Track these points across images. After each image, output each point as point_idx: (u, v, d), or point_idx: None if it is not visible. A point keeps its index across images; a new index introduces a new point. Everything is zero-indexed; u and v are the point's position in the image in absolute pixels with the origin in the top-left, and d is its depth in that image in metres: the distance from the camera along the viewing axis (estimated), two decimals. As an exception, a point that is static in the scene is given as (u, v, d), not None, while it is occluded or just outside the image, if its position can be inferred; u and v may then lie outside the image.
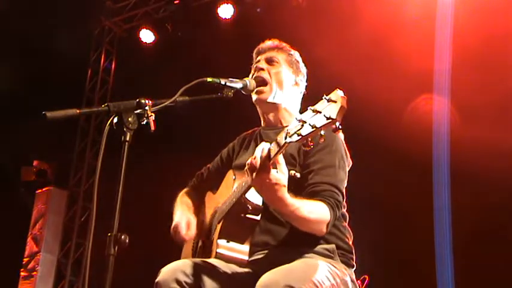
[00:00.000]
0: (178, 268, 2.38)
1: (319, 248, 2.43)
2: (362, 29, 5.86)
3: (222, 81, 2.51)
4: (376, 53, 5.84)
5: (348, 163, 2.62)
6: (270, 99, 2.70)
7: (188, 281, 2.35)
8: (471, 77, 5.28)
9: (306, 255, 2.40)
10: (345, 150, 2.61)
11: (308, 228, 2.31)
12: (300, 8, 6.81)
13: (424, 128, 5.50)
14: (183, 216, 2.75)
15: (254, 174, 2.10)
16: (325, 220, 2.33)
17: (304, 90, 2.85)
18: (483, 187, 4.98)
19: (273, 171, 2.09)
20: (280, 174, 2.11)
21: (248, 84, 2.65)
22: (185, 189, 3.03)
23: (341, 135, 2.61)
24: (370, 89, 5.32)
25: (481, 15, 5.44)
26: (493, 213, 5.00)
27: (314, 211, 2.29)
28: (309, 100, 2.81)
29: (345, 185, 2.52)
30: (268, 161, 2.07)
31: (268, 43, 2.85)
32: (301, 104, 2.85)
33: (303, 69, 2.85)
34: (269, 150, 2.07)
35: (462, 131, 5.25)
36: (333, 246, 2.45)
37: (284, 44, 2.86)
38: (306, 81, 2.86)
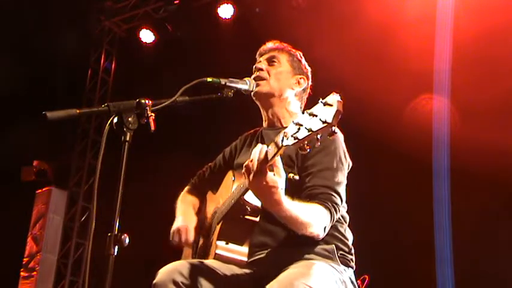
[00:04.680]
0: (176, 269, 2.38)
1: (318, 248, 2.42)
2: (362, 29, 5.86)
3: (222, 81, 2.52)
4: (376, 53, 5.84)
5: (348, 164, 2.61)
6: (267, 92, 2.69)
7: (185, 282, 2.34)
8: (471, 77, 5.27)
9: (306, 256, 2.39)
10: (344, 151, 2.59)
11: (305, 232, 2.28)
12: (299, 9, 6.80)
13: (424, 128, 5.50)
14: (184, 221, 2.76)
15: (251, 176, 2.08)
16: (323, 224, 2.32)
17: (309, 90, 2.84)
18: (483, 187, 4.97)
19: (269, 174, 2.06)
20: (277, 177, 2.08)
21: (248, 84, 2.66)
22: (187, 188, 3.02)
23: (341, 135, 2.61)
24: (370, 89, 5.33)
25: (481, 14, 5.44)
26: (493, 213, 5.00)
27: (311, 215, 2.28)
28: (309, 100, 2.83)
29: (344, 186, 2.51)
30: (265, 164, 2.04)
31: (269, 44, 2.86)
32: (305, 104, 2.84)
33: (306, 69, 2.85)
34: (266, 152, 2.04)
35: (462, 131, 5.25)
36: (333, 246, 2.44)
37: (285, 45, 2.86)
38: (311, 81, 2.85)
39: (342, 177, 2.50)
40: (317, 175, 2.44)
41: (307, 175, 2.46)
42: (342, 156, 2.55)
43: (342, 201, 2.46)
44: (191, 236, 2.69)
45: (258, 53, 2.87)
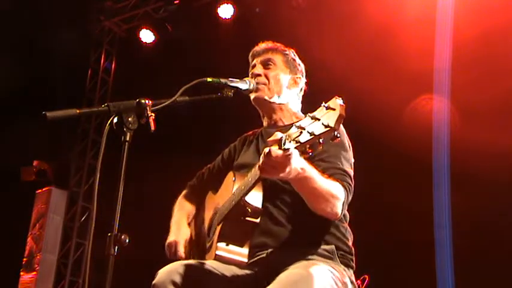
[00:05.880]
0: (175, 270, 2.37)
1: (318, 249, 2.41)
2: (362, 29, 5.86)
3: (222, 81, 2.51)
4: (376, 53, 5.84)
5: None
6: (267, 98, 2.68)
7: (185, 282, 2.34)
8: (471, 77, 5.27)
9: (306, 256, 2.38)
10: (349, 143, 2.59)
11: (324, 207, 2.24)
12: (299, 9, 6.81)
13: (424, 128, 5.50)
14: (176, 234, 2.76)
15: (262, 157, 2.01)
16: (341, 200, 2.28)
17: (304, 86, 2.83)
18: (483, 187, 4.97)
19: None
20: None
21: (248, 84, 2.65)
22: (185, 191, 3.01)
23: (343, 128, 2.59)
24: (370, 89, 5.33)
25: (481, 14, 5.44)
26: (492, 213, 4.99)
27: (332, 188, 2.25)
28: (308, 100, 2.82)
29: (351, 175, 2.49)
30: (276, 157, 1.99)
31: (262, 45, 2.82)
32: (301, 101, 2.83)
33: (300, 66, 2.83)
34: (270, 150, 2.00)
35: (462, 131, 5.25)
36: (333, 247, 2.43)
37: (278, 45, 2.83)
38: (305, 78, 2.84)
39: (348, 166, 2.48)
40: (326, 160, 2.41)
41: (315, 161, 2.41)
42: (347, 148, 2.54)
43: (352, 182, 2.43)
44: (181, 251, 2.69)
45: (250, 54, 2.84)
